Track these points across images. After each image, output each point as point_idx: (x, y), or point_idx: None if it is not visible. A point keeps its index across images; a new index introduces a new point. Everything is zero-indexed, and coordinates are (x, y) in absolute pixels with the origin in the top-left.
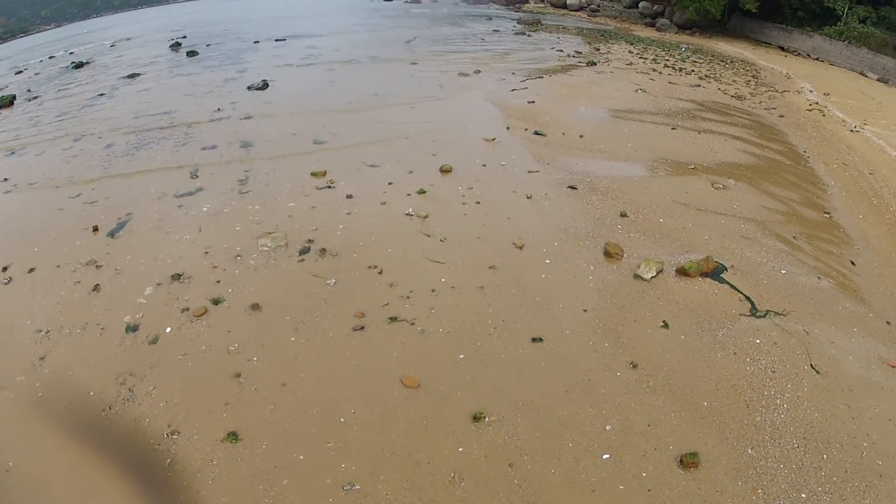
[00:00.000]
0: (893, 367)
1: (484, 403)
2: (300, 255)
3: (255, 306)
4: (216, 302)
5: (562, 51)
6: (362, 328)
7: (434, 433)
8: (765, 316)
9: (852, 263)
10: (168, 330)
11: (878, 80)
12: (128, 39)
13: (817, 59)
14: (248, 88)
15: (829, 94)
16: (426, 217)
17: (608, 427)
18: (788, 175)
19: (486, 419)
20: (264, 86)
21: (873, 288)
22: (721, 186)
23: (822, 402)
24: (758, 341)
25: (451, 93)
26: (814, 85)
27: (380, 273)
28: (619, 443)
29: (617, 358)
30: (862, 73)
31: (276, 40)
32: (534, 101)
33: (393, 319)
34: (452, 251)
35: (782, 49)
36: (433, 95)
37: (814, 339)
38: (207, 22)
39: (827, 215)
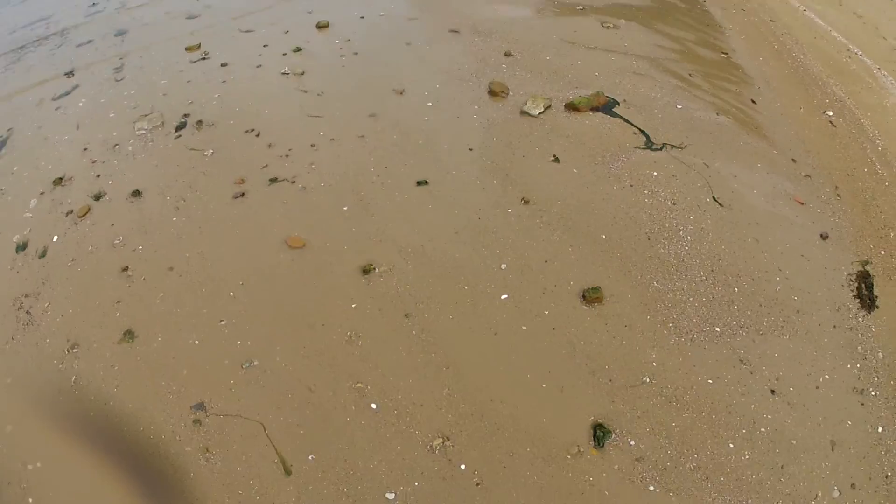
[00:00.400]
0: (802, 203)
1: (372, 254)
2: (177, 131)
3: (136, 193)
4: (98, 197)
5: None
6: (243, 195)
7: (325, 293)
8: (661, 149)
9: (753, 102)
10: (55, 238)
11: None
12: None
13: None
14: None
15: None
16: (303, 73)
17: (503, 266)
18: (683, 17)
19: (376, 270)
20: None
21: (776, 126)
22: (611, 25)
23: (728, 234)
24: (655, 174)
25: None
26: None
27: (257, 136)
28: (516, 282)
29: (507, 195)
30: None
31: None
32: None
33: (273, 181)
34: (331, 104)
35: None
36: None
37: (715, 173)
38: None
39: (725, 55)
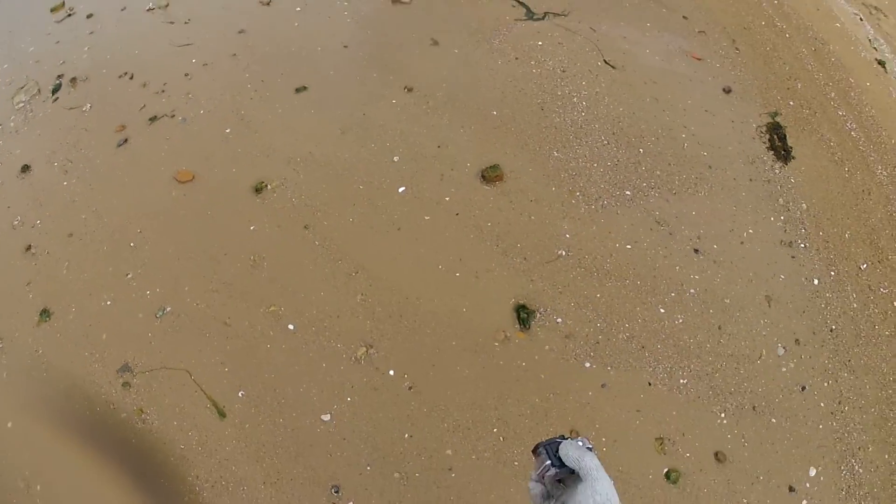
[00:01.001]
0: (699, 59)
1: (261, 172)
2: (53, 94)
3: (25, 168)
4: None
5: None
6: (126, 141)
7: (221, 221)
8: (543, 18)
9: None
10: None
11: None
12: None
13: None
14: None
15: None
16: (167, 5)
17: (396, 158)
18: None
19: (269, 187)
20: None
21: None
22: None
23: (624, 96)
24: (540, 43)
25: None
26: None
27: (131, 78)
28: (411, 172)
29: (389, 86)
30: None
31: None
32: None
33: (153, 119)
34: (199, 30)
35: None
36: None
37: (602, 36)
38: None
39: None
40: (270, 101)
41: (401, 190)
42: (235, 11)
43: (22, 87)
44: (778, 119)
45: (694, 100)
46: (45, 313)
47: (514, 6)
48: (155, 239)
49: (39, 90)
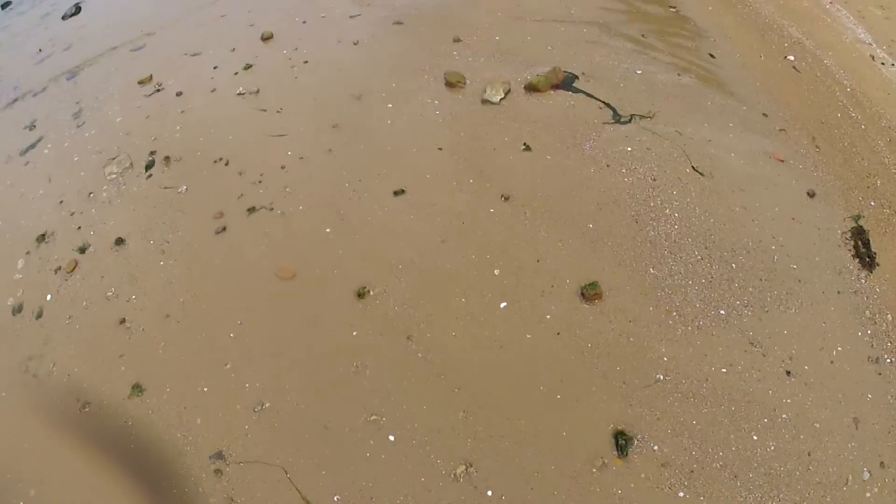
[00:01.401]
0: (782, 160)
1: (364, 276)
2: (147, 171)
3: (120, 241)
4: (83, 250)
5: None
6: (224, 229)
7: (324, 323)
8: (630, 121)
9: (711, 56)
10: (49, 297)
11: None
12: None
13: None
14: (63, 18)
15: None
16: (258, 92)
17: (497, 272)
18: None
19: (371, 293)
20: (77, 10)
21: (740, 80)
22: None
23: (715, 206)
24: (629, 149)
25: None
26: None
27: (226, 165)
28: (512, 287)
29: (486, 193)
30: None
31: None
32: None
33: (251, 210)
34: (292, 120)
35: None
36: None
37: (689, 140)
38: None
39: (673, 10)
40: (369, 202)
41: (502, 305)
42: (327, 104)
43: (113, 159)
44: (861, 222)
45: (781, 206)
46: (137, 388)
47: (601, 108)
48: (256, 332)
49: (132, 164)
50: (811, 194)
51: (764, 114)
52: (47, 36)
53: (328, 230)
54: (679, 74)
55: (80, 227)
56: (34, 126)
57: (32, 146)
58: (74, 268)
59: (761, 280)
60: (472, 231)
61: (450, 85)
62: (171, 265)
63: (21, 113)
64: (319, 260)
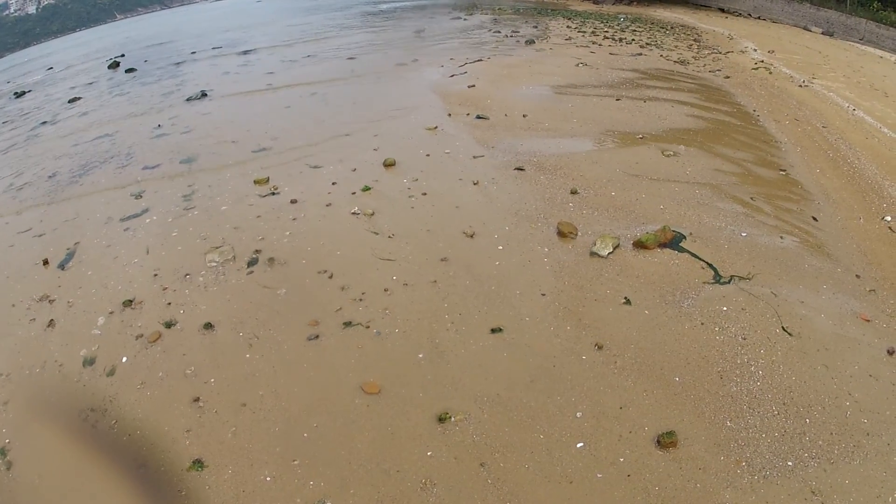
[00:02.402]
0: (868, 320)
1: (448, 403)
2: (248, 266)
3: (208, 325)
4: (169, 325)
5: (499, 32)
6: (317, 337)
7: (400, 439)
8: (729, 282)
9: (814, 219)
10: (124, 359)
11: (822, 33)
12: (67, 67)
13: (759, 17)
14: (188, 100)
15: (773, 52)
16: (372, 214)
17: (579, 414)
18: (739, 136)
19: (452, 419)
20: (202, 96)
21: (838, 242)
22: (671, 153)
23: (798, 364)
24: (725, 308)
25: (390, 84)
26: (757, 43)
27: (330, 277)
28: (591, 429)
29: (581, 341)
30: (805, 28)
31: (214, 48)
32: (474, 85)
33: (347, 324)
34: (402, 247)
35: (722, 11)
36: (372, 88)
37: (783, 301)
38: (146, 37)
39: (783, 173)
40: (465, 335)
41: (579, 445)
42: (440, 237)
43: (217, 248)
44: None
45: (861, 364)
46: (198, 463)
47: (703, 269)
48: (330, 437)
49: (234, 257)
50: (891, 352)
51: (857, 275)
52: (169, 114)
53: (420, 355)
54: (782, 237)
55: (169, 304)
56: (141, 196)
57: (136, 215)
58: (157, 339)
59: (832, 434)
60: (562, 375)
61: (561, 235)
62: (257, 359)
63: (129, 181)
64: (406, 381)
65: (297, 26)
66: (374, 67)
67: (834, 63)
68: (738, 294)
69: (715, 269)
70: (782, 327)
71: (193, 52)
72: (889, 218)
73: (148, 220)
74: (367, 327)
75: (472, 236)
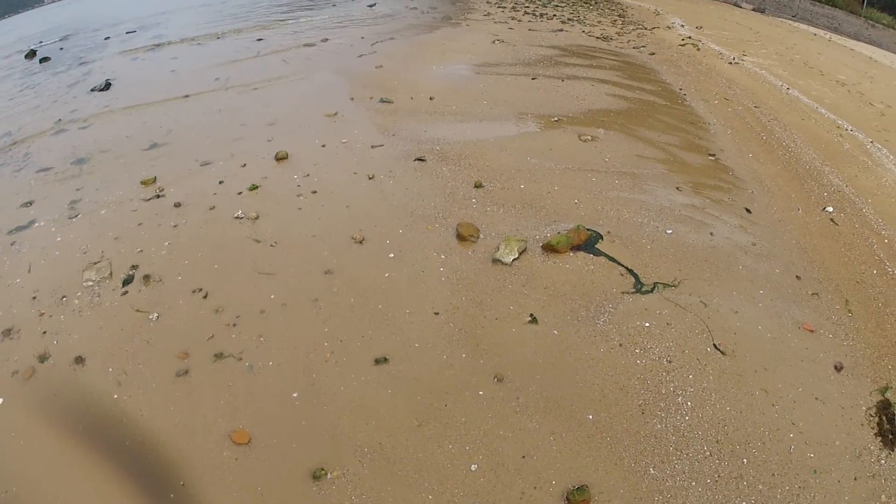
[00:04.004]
0: (811, 331)
1: (324, 455)
2: (123, 286)
3: (79, 360)
4: (43, 359)
5: (415, 7)
6: (186, 372)
7: (269, 502)
8: (652, 290)
9: (747, 211)
10: (1, 401)
11: (753, 9)
12: None
13: None
14: (90, 91)
15: (702, 28)
16: (257, 218)
17: (474, 467)
18: (664, 117)
19: (329, 476)
20: (106, 86)
21: (775, 238)
22: (589, 138)
23: (733, 391)
24: (647, 324)
25: (295, 67)
26: (685, 19)
27: (205, 297)
28: (489, 486)
29: (478, 372)
30: (736, 4)
31: (127, 32)
32: (381, 66)
33: (218, 356)
34: (284, 257)
35: None
36: (275, 71)
37: (714, 312)
38: (68, 22)
39: (712, 158)
40: (346, 368)
41: None
42: (325, 244)
43: (95, 264)
44: (888, 395)
45: (804, 386)
46: None
47: (622, 275)
48: (198, 498)
49: (111, 273)
50: (838, 368)
51: (797, 276)
52: (71, 107)
53: (295, 395)
54: (711, 234)
55: (45, 332)
56: (31, 203)
57: (23, 227)
58: (31, 376)
59: (773, 475)
60: (455, 416)
61: (461, 238)
62: (125, 402)
63: (23, 186)
64: (279, 427)
65: (212, 6)
66: (279, 47)
67: (766, 40)
68: (662, 305)
69: (636, 276)
70: (714, 345)
71: (107, 38)
72: (831, 209)
73: (34, 232)
74: (240, 359)
75: (361, 242)
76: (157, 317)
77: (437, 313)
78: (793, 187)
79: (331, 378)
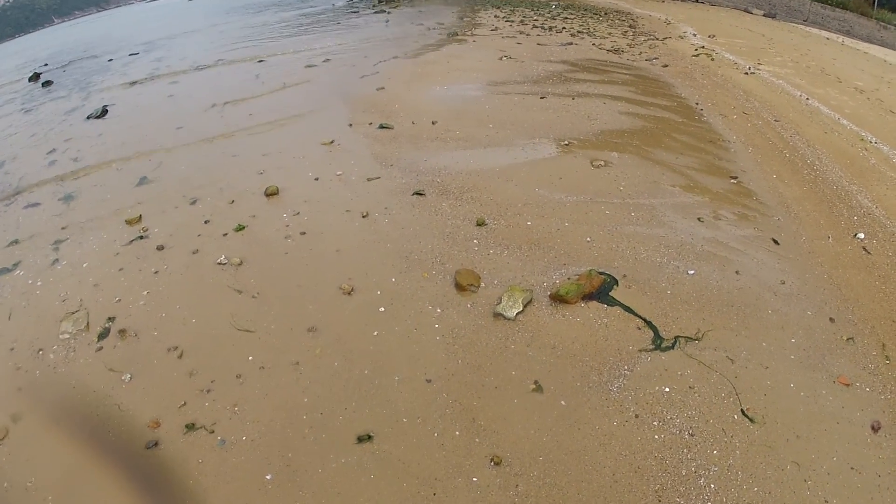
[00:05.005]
0: (847, 384)
1: None
2: (99, 340)
3: (54, 421)
4: (15, 420)
5: (422, 24)
6: (156, 444)
7: None
8: (673, 346)
9: (775, 242)
10: None
11: (764, 15)
12: None
13: (697, 0)
14: (87, 118)
15: (714, 36)
16: (240, 264)
17: None
18: (681, 135)
19: None
20: (103, 113)
21: (806, 273)
22: (602, 163)
23: (762, 467)
24: (667, 389)
25: (295, 92)
26: (697, 28)
27: (180, 357)
28: None
29: (473, 453)
30: (747, 11)
31: (130, 55)
32: (383, 87)
33: (190, 428)
34: (266, 311)
35: None
36: (275, 98)
37: (742, 369)
38: (74, 43)
39: (734, 181)
40: (325, 446)
41: None
42: (311, 295)
43: (72, 314)
44: None
45: (839, 453)
46: None
47: (639, 329)
48: None
49: (87, 325)
50: (876, 428)
51: (831, 318)
52: (65, 136)
53: (269, 476)
54: (737, 273)
55: (20, 389)
56: (17, 242)
57: (7, 270)
58: (4, 437)
59: None
60: None
61: (460, 288)
62: (90, 477)
63: (10, 223)
64: None
65: (219, 27)
66: (282, 73)
67: (780, 47)
68: (684, 364)
69: (655, 329)
70: (742, 411)
71: (110, 60)
72: (862, 235)
73: (17, 276)
74: (212, 432)
75: (350, 293)
76: (130, 378)
77: (429, 380)
78: (821, 212)
79: (309, 457)
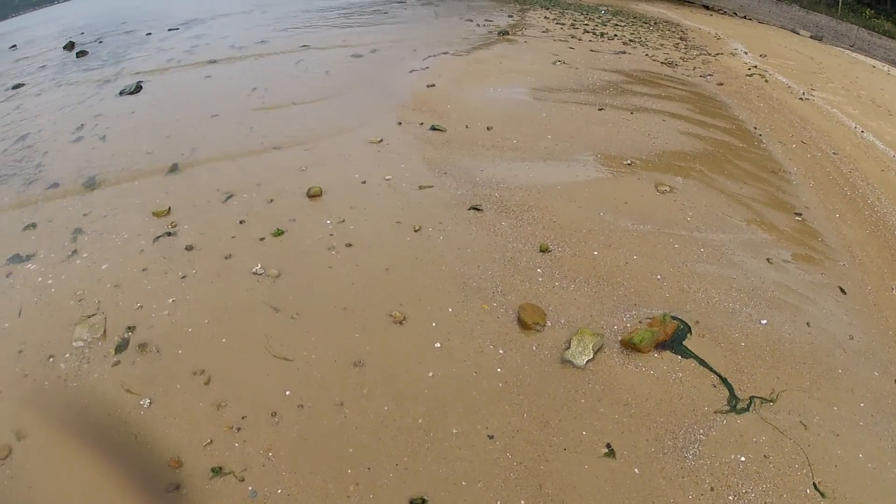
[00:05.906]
0: None
1: None
2: (116, 353)
3: (59, 447)
4: (20, 437)
5: (471, 20)
6: (177, 488)
7: None
8: (748, 408)
9: (842, 291)
10: None
11: (811, 37)
12: (30, 43)
13: (744, 17)
14: (120, 94)
15: (766, 56)
16: (278, 276)
17: None
18: (743, 162)
19: None
20: (137, 89)
21: (872, 328)
22: (667, 189)
23: None
24: (742, 459)
25: (339, 81)
26: (747, 45)
27: (207, 383)
28: None
29: None
30: (794, 31)
31: (170, 29)
32: (434, 84)
33: (217, 472)
34: (306, 336)
35: (706, 8)
36: (318, 86)
37: (815, 436)
38: (114, 11)
39: (799, 218)
40: None
41: None
42: (357, 321)
43: (88, 317)
44: None
45: None
46: None
47: (714, 386)
48: None
49: (104, 333)
50: None
51: None
52: (95, 110)
53: None
54: (808, 325)
55: (26, 400)
56: (34, 226)
57: (22, 259)
58: (7, 456)
59: None
60: None
61: (523, 325)
62: None
63: (28, 204)
64: None
65: (264, 10)
66: (325, 57)
67: (829, 72)
68: (759, 430)
69: (730, 388)
70: (814, 484)
71: (148, 34)
72: None
73: (31, 265)
74: (242, 480)
75: (401, 322)
76: (150, 403)
77: (491, 436)
78: (884, 259)
79: None
